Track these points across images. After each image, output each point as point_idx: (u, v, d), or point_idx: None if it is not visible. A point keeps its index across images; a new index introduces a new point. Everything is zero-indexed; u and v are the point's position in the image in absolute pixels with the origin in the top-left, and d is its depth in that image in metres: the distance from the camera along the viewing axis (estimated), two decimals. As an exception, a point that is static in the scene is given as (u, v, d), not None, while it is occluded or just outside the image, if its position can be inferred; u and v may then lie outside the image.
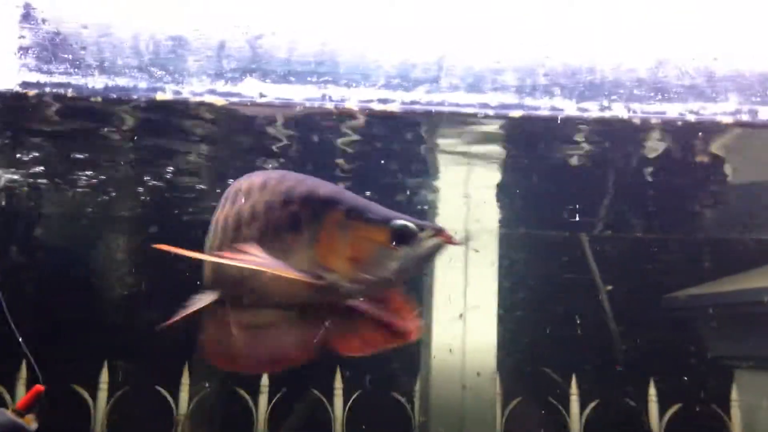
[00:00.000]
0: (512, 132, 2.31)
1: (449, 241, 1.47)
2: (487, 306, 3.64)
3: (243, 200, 1.57)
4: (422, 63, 1.80)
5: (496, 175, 3.24)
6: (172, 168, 2.47)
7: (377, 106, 1.79)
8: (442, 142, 2.57)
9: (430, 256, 1.48)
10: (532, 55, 1.87)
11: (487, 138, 2.39)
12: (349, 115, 1.95)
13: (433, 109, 1.80)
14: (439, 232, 1.47)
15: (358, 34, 1.82)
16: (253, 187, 1.57)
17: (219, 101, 1.75)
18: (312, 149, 2.44)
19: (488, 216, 3.72)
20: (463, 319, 3.65)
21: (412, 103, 1.80)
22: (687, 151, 2.72)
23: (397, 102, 1.80)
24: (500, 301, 3.63)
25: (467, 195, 3.49)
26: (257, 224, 1.53)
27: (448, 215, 3.61)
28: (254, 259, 1.44)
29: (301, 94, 1.80)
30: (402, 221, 1.45)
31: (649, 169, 3.00)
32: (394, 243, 1.45)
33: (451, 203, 3.50)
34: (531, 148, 2.62)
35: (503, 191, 3.48)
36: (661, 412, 3.74)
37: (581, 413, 3.81)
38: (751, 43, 1.90)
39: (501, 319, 3.60)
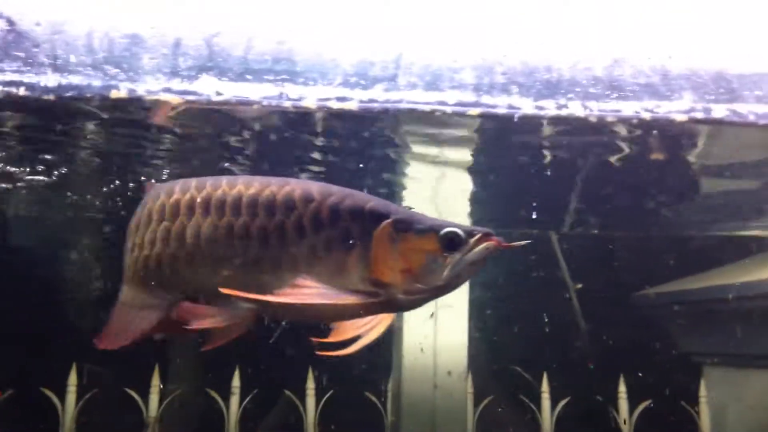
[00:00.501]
0: (483, 131, 2.33)
1: (499, 244, 1.48)
2: (458, 305, 3.65)
3: (261, 213, 1.52)
4: (380, 61, 1.80)
5: (465, 174, 3.25)
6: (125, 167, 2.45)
7: (335, 105, 1.79)
8: (412, 140, 2.59)
9: (481, 261, 1.48)
10: (490, 53, 1.88)
11: (457, 137, 2.41)
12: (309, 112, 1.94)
13: (391, 107, 1.80)
14: (488, 236, 1.47)
15: (315, 33, 1.82)
16: (281, 200, 1.53)
17: (175, 99, 1.74)
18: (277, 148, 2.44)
19: (458, 214, 3.73)
20: (434, 318, 3.66)
21: (370, 101, 1.80)
22: (646, 149, 2.76)
23: (355, 100, 1.80)
24: (471, 300, 3.65)
25: (436, 194, 3.51)
26: (307, 242, 1.50)
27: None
28: (314, 294, 1.43)
29: (259, 93, 1.80)
30: (450, 228, 1.47)
31: (614, 167, 3.03)
32: (444, 251, 1.45)
33: (419, 201, 3.51)
34: (501, 147, 2.63)
35: (473, 189, 3.49)
36: (631, 408, 3.78)
37: (552, 411, 3.84)
38: (705, 41, 1.93)
39: (472, 318, 3.62)
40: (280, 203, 1.53)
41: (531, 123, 2.04)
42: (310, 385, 3.91)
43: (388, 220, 1.49)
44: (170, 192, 1.65)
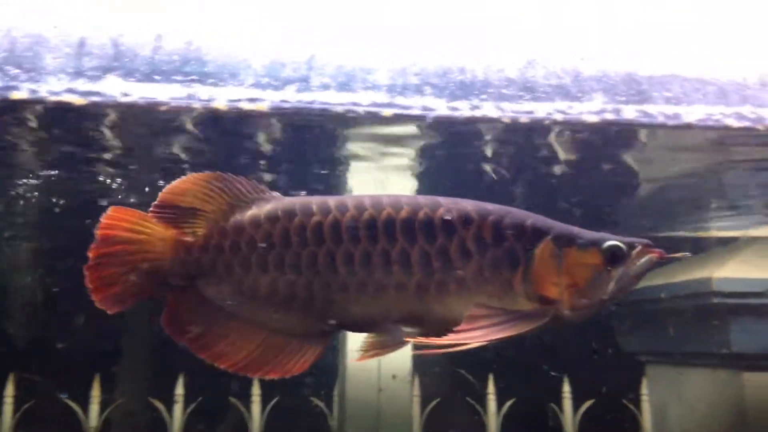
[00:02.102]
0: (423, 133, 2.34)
1: (660, 255, 1.47)
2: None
3: (421, 236, 1.46)
4: (292, 62, 1.79)
5: (405, 178, 3.26)
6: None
7: (246, 106, 1.77)
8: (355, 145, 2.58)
9: (643, 273, 1.47)
10: (404, 54, 1.88)
11: (397, 139, 2.41)
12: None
13: (303, 108, 1.78)
14: (648, 247, 1.46)
15: (225, 33, 1.80)
16: (439, 222, 1.47)
17: (78, 100, 1.70)
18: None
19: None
20: (379, 321, 3.64)
21: (282, 102, 1.78)
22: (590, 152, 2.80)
23: (266, 101, 1.79)
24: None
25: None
26: (473, 264, 1.46)
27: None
28: (498, 330, 1.39)
29: (167, 94, 1.77)
30: (612, 242, 1.44)
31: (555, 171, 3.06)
32: (608, 265, 1.43)
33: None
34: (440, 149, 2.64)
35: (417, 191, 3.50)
36: (575, 407, 3.82)
37: (498, 412, 3.86)
38: (615, 44, 1.96)
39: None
40: (439, 225, 1.48)
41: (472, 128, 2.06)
42: (256, 391, 3.87)
43: (549, 236, 1.47)
44: (307, 212, 1.52)
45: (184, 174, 1.47)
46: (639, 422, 3.83)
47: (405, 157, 2.81)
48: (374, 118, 1.82)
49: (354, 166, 2.92)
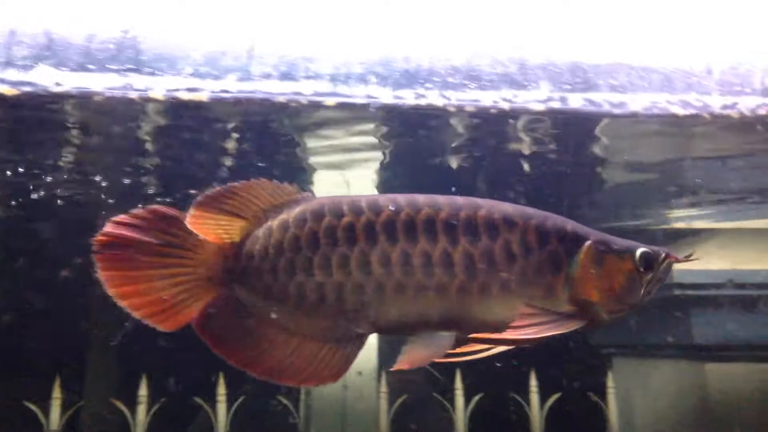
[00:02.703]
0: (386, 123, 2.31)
1: (677, 259, 1.54)
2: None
3: (462, 238, 1.44)
4: (232, 51, 1.76)
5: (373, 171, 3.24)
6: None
7: (185, 96, 1.73)
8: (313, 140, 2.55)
9: (664, 278, 1.54)
10: (348, 43, 1.85)
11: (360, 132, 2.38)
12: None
13: (244, 98, 1.75)
14: (668, 253, 1.53)
15: (162, 21, 1.76)
16: (483, 223, 1.45)
17: (9, 91, 1.65)
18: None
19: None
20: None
21: (222, 92, 1.75)
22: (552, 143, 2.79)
23: (206, 91, 1.75)
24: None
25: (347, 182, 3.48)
26: (517, 266, 1.45)
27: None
28: (548, 327, 1.41)
29: (102, 83, 1.72)
30: (645, 248, 1.51)
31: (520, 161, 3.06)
32: (641, 270, 1.50)
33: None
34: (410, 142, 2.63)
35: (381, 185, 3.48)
36: (542, 401, 3.82)
37: (466, 407, 3.84)
38: (561, 32, 1.95)
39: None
40: (483, 227, 1.46)
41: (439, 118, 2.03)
42: (221, 391, 3.82)
43: (589, 242, 1.51)
44: (337, 212, 1.48)
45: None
46: (605, 415, 3.84)
47: (368, 149, 2.80)
48: (319, 107, 1.79)
49: (315, 160, 2.90)
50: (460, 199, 1.49)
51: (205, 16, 1.79)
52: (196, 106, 1.73)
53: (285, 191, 1.53)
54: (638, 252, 1.51)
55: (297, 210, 1.50)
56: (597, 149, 2.87)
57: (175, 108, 1.92)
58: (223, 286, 1.51)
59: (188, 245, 1.51)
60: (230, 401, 3.74)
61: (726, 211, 3.56)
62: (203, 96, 1.74)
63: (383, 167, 3.07)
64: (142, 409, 3.76)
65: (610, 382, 3.86)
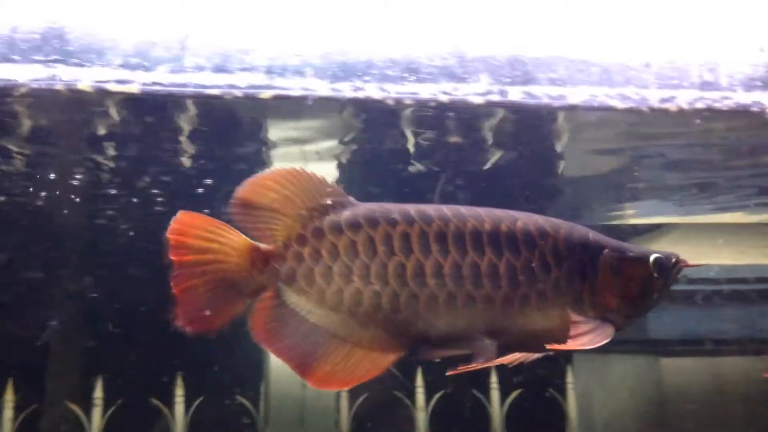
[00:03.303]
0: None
1: (685, 264, 1.57)
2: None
3: (506, 250, 1.47)
4: (163, 42, 1.72)
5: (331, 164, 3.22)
6: None
7: (114, 87, 1.69)
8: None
9: (674, 283, 1.57)
10: (284, 35, 1.83)
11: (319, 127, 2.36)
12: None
13: (176, 90, 1.71)
14: (677, 258, 1.56)
15: (91, 11, 1.71)
16: (521, 236, 1.48)
17: (-73, 82, 1.60)
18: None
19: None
20: (302, 316, 3.59)
21: (154, 84, 1.71)
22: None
23: (136, 83, 1.71)
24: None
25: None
26: (553, 276, 1.49)
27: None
28: (596, 336, 1.44)
29: (27, 75, 1.67)
30: (658, 254, 1.55)
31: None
32: (655, 275, 1.53)
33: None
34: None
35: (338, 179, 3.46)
36: (503, 398, 3.83)
37: (427, 405, 3.84)
38: (500, 25, 1.94)
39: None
40: (522, 238, 1.50)
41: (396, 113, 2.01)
42: (179, 392, 3.77)
43: (607, 250, 1.55)
44: (391, 220, 1.47)
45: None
46: (564, 410, 3.86)
47: (328, 143, 2.78)
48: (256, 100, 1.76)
49: (275, 153, 2.87)
50: (497, 211, 1.53)
51: (136, 6, 1.75)
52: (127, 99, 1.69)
53: (330, 190, 1.50)
54: (652, 258, 1.55)
55: (347, 214, 1.48)
56: (550, 145, 2.88)
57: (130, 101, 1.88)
58: (261, 290, 1.48)
59: (227, 245, 1.47)
60: (188, 402, 3.69)
61: (680, 207, 3.60)
62: (134, 88, 1.70)
63: (343, 163, 3.06)
64: (97, 412, 3.69)
65: (570, 378, 3.88)
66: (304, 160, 3.06)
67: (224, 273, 1.46)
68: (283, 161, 3.12)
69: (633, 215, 3.70)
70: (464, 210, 1.51)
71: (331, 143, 2.84)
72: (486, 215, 1.50)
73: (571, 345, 1.46)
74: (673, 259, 1.58)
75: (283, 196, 1.47)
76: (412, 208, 1.50)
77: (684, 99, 1.96)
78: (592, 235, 1.59)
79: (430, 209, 1.51)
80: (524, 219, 1.53)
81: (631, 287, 1.54)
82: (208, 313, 1.44)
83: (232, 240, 1.46)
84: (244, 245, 1.45)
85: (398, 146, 2.75)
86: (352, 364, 1.48)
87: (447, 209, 1.51)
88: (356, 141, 2.79)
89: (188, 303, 1.44)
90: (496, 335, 1.49)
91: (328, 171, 3.28)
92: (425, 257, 1.46)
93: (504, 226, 1.49)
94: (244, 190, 1.46)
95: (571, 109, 1.89)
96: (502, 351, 1.53)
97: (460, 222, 1.48)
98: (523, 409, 3.83)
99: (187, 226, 1.45)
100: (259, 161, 3.03)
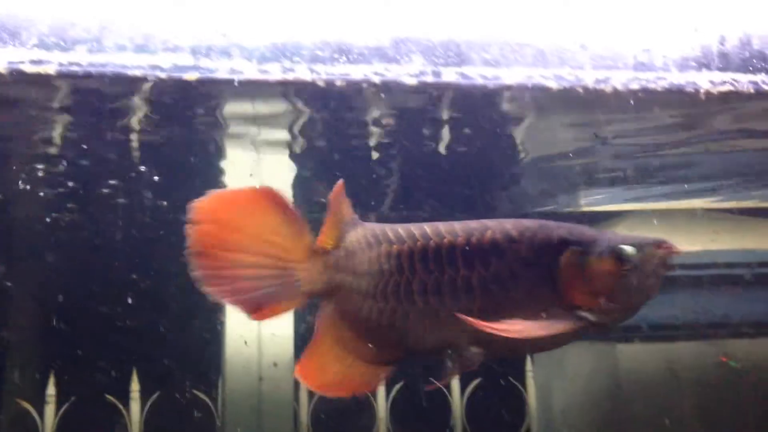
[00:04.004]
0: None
1: (672, 251, 1.48)
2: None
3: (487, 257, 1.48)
4: (82, 21, 1.66)
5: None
6: None
7: (29, 68, 1.63)
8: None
9: (662, 270, 1.48)
10: (208, 14, 1.78)
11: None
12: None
13: (95, 71, 1.66)
14: (659, 245, 1.47)
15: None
16: (488, 243, 1.49)
17: None
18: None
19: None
20: (257, 309, 3.55)
21: (71, 64, 1.65)
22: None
23: (53, 63, 1.65)
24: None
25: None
26: (522, 283, 1.50)
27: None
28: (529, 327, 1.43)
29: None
30: (623, 246, 1.47)
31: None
32: (623, 269, 1.45)
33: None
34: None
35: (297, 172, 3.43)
36: (462, 387, 3.84)
37: (387, 396, 3.83)
38: (432, 5, 1.92)
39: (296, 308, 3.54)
40: (491, 250, 1.51)
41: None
42: (135, 387, 3.72)
43: (571, 247, 1.51)
44: (390, 240, 1.52)
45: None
46: (524, 399, 3.88)
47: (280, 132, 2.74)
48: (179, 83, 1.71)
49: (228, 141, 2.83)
50: (472, 223, 1.55)
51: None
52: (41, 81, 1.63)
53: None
54: (616, 250, 1.49)
55: (395, 230, 1.53)
56: (507, 131, 2.87)
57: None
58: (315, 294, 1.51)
59: (290, 238, 1.47)
60: (144, 398, 3.65)
61: (632, 194, 3.62)
62: (50, 69, 1.64)
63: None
64: (50, 409, 3.62)
65: (529, 367, 3.90)
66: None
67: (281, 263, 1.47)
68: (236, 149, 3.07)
69: (586, 204, 3.72)
70: (441, 226, 1.53)
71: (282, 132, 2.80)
72: (460, 230, 1.53)
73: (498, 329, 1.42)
74: (649, 247, 1.50)
75: (345, 204, 1.53)
76: (402, 229, 1.55)
77: (619, 80, 1.95)
78: (559, 232, 1.55)
79: (415, 228, 1.54)
80: (494, 228, 1.53)
81: (599, 284, 1.48)
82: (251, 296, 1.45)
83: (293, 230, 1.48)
84: (306, 241, 1.49)
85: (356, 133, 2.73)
86: (354, 376, 1.54)
87: (427, 226, 1.54)
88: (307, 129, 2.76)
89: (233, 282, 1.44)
90: (482, 345, 1.50)
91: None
92: (412, 276, 1.50)
93: (474, 239, 1.51)
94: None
95: (507, 89, 1.87)
96: (491, 356, 1.54)
97: (438, 239, 1.51)
98: (483, 398, 3.84)
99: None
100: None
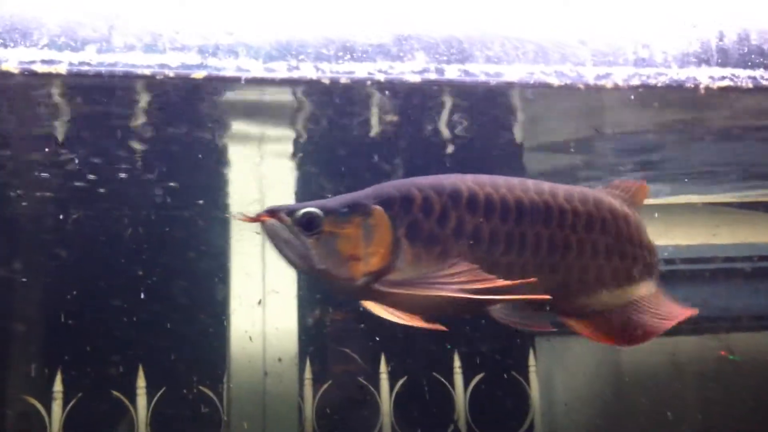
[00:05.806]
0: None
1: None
2: (287, 291, 3.59)
3: None
4: (91, 20, 1.69)
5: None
6: None
7: (41, 68, 1.66)
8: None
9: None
10: (215, 13, 1.81)
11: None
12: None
13: (105, 70, 1.69)
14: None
15: (14, -9, 1.68)
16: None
17: None
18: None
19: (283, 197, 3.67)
20: (263, 305, 3.58)
21: (82, 64, 1.68)
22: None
23: (64, 63, 1.68)
24: (299, 285, 3.59)
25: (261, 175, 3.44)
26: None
27: (237, 196, 3.54)
28: None
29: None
30: (307, 208, 1.39)
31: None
32: (303, 232, 1.39)
33: (240, 182, 3.43)
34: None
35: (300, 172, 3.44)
36: (466, 382, 3.86)
37: (391, 391, 3.86)
38: (435, 3, 1.94)
39: (301, 303, 3.57)
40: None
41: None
42: (141, 383, 3.75)
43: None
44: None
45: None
46: (527, 393, 3.90)
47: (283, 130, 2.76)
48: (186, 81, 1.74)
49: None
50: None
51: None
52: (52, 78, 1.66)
53: None
54: (296, 213, 1.45)
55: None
56: (509, 127, 2.89)
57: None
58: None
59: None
60: (150, 394, 3.67)
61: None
62: (62, 69, 1.67)
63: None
64: (57, 405, 3.66)
65: (532, 361, 3.92)
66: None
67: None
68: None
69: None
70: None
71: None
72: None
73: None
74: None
75: None
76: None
77: (620, 76, 1.97)
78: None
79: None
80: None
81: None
82: None
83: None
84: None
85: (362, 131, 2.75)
86: None
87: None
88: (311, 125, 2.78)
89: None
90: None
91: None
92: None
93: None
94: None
95: (508, 86, 1.89)
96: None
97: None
98: (487, 392, 3.87)
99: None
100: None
